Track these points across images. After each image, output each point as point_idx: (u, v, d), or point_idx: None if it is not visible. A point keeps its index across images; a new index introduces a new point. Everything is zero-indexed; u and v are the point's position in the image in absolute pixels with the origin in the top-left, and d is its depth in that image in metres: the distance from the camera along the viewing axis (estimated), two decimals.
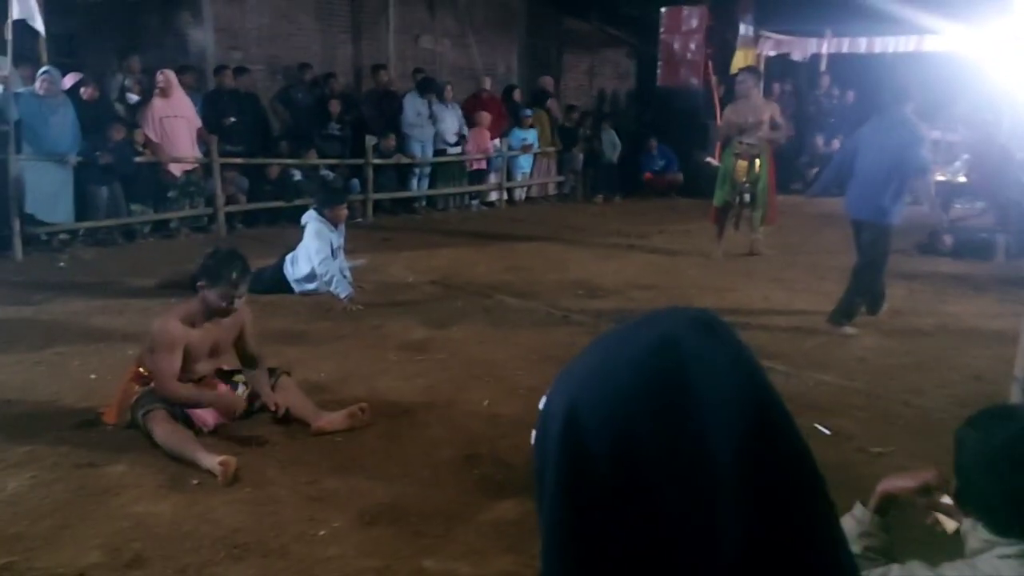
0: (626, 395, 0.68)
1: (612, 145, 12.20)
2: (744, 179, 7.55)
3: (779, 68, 12.47)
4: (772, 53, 11.96)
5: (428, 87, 10.39)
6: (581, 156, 12.04)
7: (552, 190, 12.18)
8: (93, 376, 4.27)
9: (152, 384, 3.50)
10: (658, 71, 12.83)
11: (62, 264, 7.02)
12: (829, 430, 3.69)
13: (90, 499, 2.98)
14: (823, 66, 12.85)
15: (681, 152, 12.21)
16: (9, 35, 6.76)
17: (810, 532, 0.66)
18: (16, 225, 7.04)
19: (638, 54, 14.41)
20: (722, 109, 8.58)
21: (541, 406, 0.74)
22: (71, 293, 6.03)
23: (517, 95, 11.82)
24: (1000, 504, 1.39)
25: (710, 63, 12.13)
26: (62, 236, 7.62)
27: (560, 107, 12.41)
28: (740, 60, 11.23)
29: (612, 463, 0.67)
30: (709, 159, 9.74)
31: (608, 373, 0.70)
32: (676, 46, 12.58)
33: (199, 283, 3.57)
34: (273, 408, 3.65)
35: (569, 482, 0.69)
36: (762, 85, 8.30)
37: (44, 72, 7.35)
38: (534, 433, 0.74)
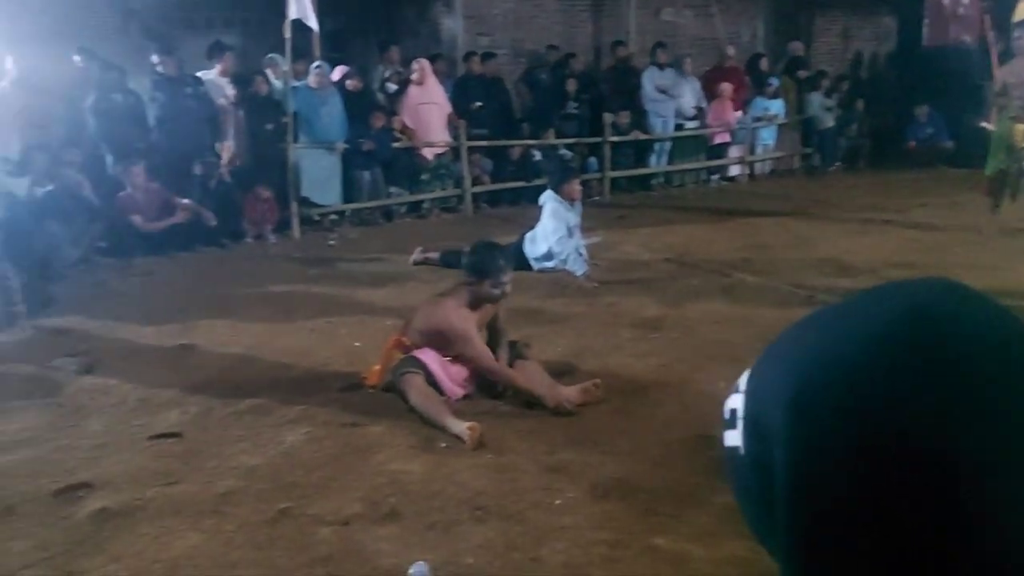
0: (871, 377, 0.55)
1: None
2: (1022, 145, 6.72)
3: None
4: None
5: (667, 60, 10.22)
6: (832, 125, 11.28)
7: (798, 163, 11.54)
8: (358, 344, 4.71)
9: (413, 353, 3.81)
10: (924, 29, 11.63)
11: (332, 242, 7.77)
12: None
13: (353, 455, 3.31)
14: None
15: (950, 118, 11.04)
16: (288, 33, 7.54)
17: None
18: (294, 207, 7.89)
19: (900, 12, 13.18)
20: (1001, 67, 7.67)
21: (735, 402, 0.64)
22: (339, 268, 6.67)
23: (764, 64, 11.25)
24: None
25: (986, 17, 10.81)
26: (332, 217, 8.42)
27: (811, 73, 11.67)
28: (1021, 11, 9.90)
29: (860, 458, 0.55)
30: (983, 123, 8.74)
31: (843, 352, 0.58)
32: (946, 0, 11.34)
33: (469, 280, 3.84)
34: (501, 388, 3.85)
35: (807, 483, 0.56)
36: None
37: (316, 66, 8.13)
38: (735, 433, 0.63)
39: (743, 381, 0.65)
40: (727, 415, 0.64)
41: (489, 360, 3.82)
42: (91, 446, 3.44)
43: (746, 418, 0.62)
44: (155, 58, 7.65)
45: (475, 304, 3.86)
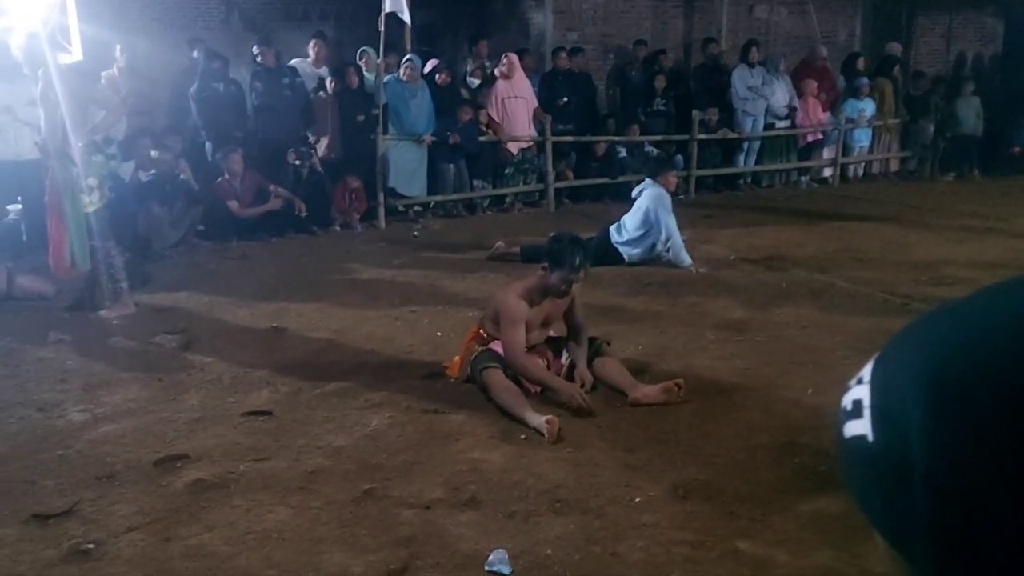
0: (1020, 359, 0.53)
1: (975, 114, 10.80)
2: None
3: None
4: None
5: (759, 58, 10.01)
6: (931, 128, 10.85)
7: (894, 166, 11.14)
8: (439, 333, 4.78)
9: (490, 345, 3.85)
10: None
11: (416, 233, 7.89)
12: None
13: (435, 441, 3.37)
14: None
15: None
16: (382, 27, 7.68)
17: None
18: (381, 198, 8.04)
19: (1007, 13, 12.58)
20: None
21: (859, 393, 0.62)
22: (423, 259, 6.78)
23: (860, 63, 10.87)
24: None
25: None
26: (416, 208, 8.55)
27: (907, 74, 11.26)
28: None
29: (1011, 441, 0.52)
30: None
31: (987, 338, 0.55)
32: None
33: (542, 265, 3.84)
34: (579, 384, 3.81)
35: (952, 470, 0.54)
36: None
37: (407, 60, 8.26)
38: (861, 423, 0.61)
39: (867, 373, 0.64)
40: (848, 407, 0.63)
41: (517, 353, 3.72)
42: (188, 420, 3.59)
43: (874, 407, 0.61)
44: (255, 49, 7.91)
45: (540, 294, 3.83)
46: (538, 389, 3.83)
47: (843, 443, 0.63)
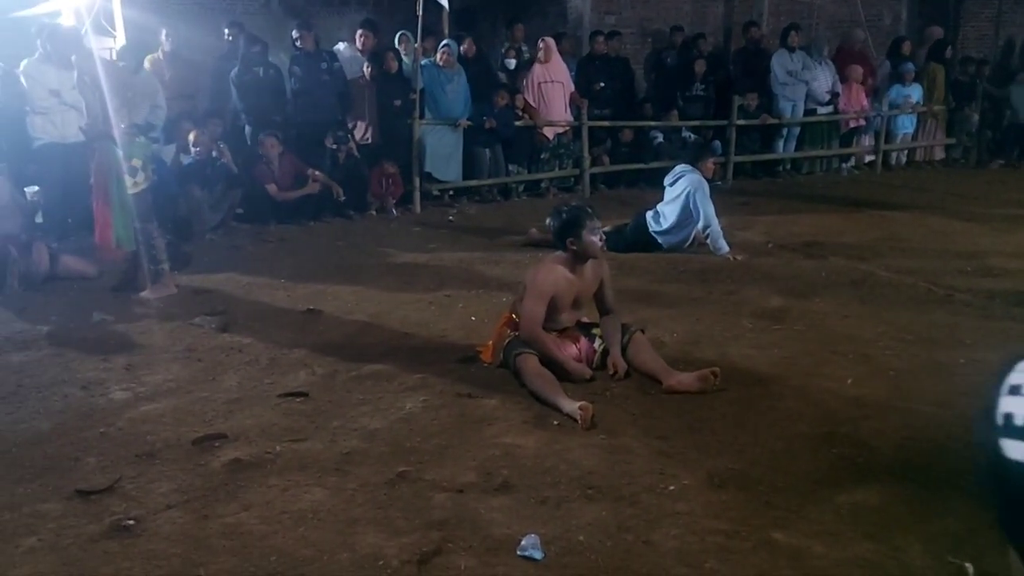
0: None
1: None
2: None
3: None
4: None
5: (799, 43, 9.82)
6: (976, 116, 10.58)
7: (939, 154, 10.89)
8: (473, 318, 4.79)
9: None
10: None
11: (451, 218, 7.90)
12: None
13: (468, 425, 3.37)
14: None
15: None
16: (420, 11, 7.67)
17: None
18: (416, 182, 8.05)
19: None
20: None
21: (1014, 406, 0.57)
22: (457, 243, 6.79)
23: (906, 48, 10.64)
24: None
25: None
26: (451, 193, 8.56)
27: (955, 59, 10.97)
28: None
29: None
30: None
31: None
32: None
33: (568, 240, 3.82)
34: (612, 371, 3.81)
35: None
36: None
37: (444, 44, 8.24)
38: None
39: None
40: (1002, 420, 0.58)
41: (531, 324, 3.75)
42: (226, 400, 3.64)
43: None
44: (294, 33, 7.94)
45: (575, 262, 3.84)
46: (588, 375, 3.83)
47: (1002, 462, 0.58)
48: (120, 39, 7.64)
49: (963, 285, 5.27)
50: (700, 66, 9.57)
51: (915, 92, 10.27)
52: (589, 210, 3.87)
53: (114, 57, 7.21)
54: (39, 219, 6.63)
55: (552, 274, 3.82)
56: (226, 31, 8.07)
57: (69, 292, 5.40)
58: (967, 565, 2.34)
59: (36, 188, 6.72)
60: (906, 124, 10.45)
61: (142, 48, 7.47)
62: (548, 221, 3.98)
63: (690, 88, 9.58)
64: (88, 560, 2.46)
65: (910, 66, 10.26)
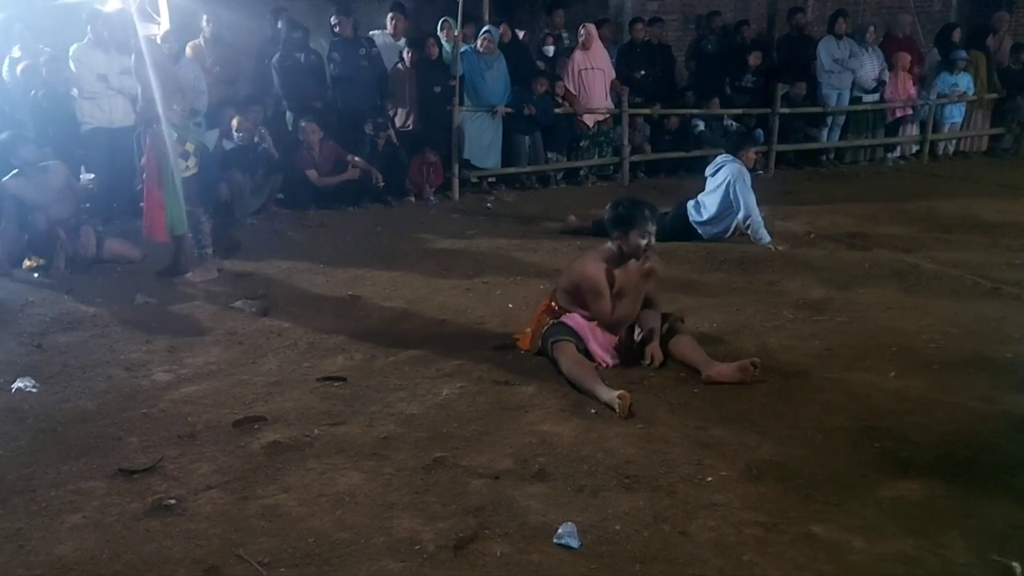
0: None
1: None
2: None
3: None
4: None
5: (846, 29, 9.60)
6: None
7: (985, 145, 10.60)
8: (511, 305, 4.79)
9: (562, 318, 3.84)
10: None
11: (489, 205, 7.89)
12: None
13: (505, 412, 3.38)
14: None
15: None
16: None
17: None
18: (455, 169, 8.06)
19: None
20: None
21: None
22: (495, 230, 6.78)
23: (956, 35, 10.33)
24: None
25: None
26: (490, 180, 8.54)
27: (1005, 47, 10.64)
28: None
29: None
30: None
31: None
32: None
33: (614, 235, 3.80)
34: (648, 361, 3.78)
35: None
36: None
37: (485, 31, 8.21)
38: None
39: None
40: None
41: (605, 318, 3.79)
42: (266, 383, 3.69)
43: None
44: (333, 19, 7.98)
45: (619, 260, 3.81)
46: (609, 363, 3.81)
47: None
48: (164, 24, 7.73)
49: (1011, 278, 5.14)
50: (755, 58, 9.34)
51: (964, 81, 10.00)
52: (647, 212, 3.78)
53: (159, 43, 7.29)
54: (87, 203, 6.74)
55: (599, 268, 3.80)
56: (274, 18, 8.11)
57: (113, 275, 5.50)
58: (1015, 564, 2.29)
59: (92, 176, 6.82)
60: (954, 113, 10.17)
61: (185, 33, 7.56)
62: (607, 208, 3.95)
63: (741, 79, 9.41)
64: (130, 538, 2.51)
65: (961, 54, 9.97)
